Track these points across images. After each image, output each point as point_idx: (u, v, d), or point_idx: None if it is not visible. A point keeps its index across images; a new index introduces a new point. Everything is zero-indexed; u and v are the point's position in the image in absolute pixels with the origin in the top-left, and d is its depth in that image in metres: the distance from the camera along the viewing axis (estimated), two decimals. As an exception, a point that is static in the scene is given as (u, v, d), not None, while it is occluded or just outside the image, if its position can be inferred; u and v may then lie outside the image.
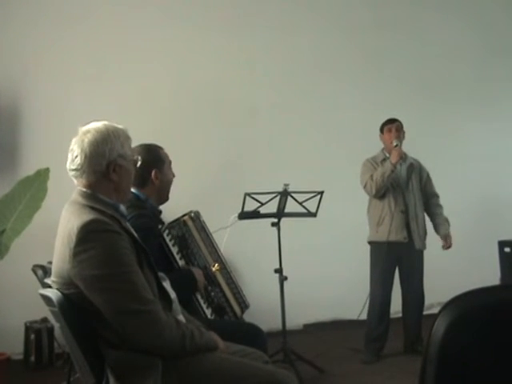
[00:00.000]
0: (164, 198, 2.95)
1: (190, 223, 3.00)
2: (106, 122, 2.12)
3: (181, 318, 2.18)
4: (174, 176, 2.98)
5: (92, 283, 1.89)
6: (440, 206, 4.63)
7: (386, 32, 6.04)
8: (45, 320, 4.47)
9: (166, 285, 2.19)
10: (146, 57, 5.22)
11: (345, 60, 5.90)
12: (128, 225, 2.11)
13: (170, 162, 2.97)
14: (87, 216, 1.93)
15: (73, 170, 2.05)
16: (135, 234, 2.08)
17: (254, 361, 2.24)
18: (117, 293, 1.89)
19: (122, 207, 2.14)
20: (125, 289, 1.90)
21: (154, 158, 2.90)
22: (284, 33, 5.71)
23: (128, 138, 2.14)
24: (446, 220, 4.59)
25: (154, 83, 5.20)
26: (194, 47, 5.42)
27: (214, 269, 3.01)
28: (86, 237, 1.89)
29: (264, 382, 2.03)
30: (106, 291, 1.88)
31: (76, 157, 2.03)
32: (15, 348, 4.52)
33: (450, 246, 4.56)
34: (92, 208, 1.99)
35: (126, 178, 2.13)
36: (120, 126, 2.14)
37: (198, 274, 2.79)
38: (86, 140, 2.03)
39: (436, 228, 4.58)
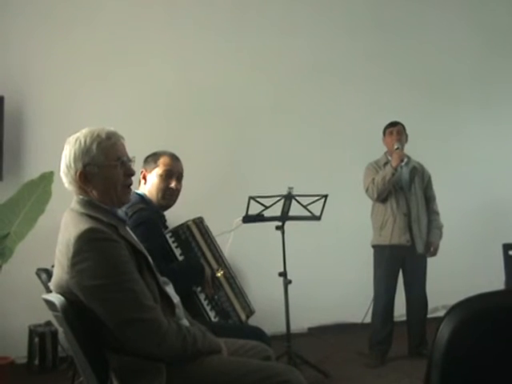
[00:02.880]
0: (155, 199, 2.92)
1: (193, 228, 3.00)
2: (84, 129, 2.08)
3: (184, 322, 2.18)
4: (175, 187, 2.95)
5: (91, 294, 1.88)
6: (436, 213, 4.61)
7: (386, 33, 6.04)
8: (49, 323, 4.47)
9: (169, 289, 2.19)
10: (148, 59, 5.23)
11: (346, 61, 5.89)
12: (127, 230, 2.10)
13: (170, 174, 2.93)
14: (83, 225, 1.92)
15: None
16: (134, 240, 2.07)
17: (257, 355, 2.28)
18: (117, 302, 1.88)
19: (120, 211, 2.13)
20: (125, 298, 1.89)
21: (148, 158, 2.98)
22: (285, 34, 5.71)
23: (101, 142, 2.03)
24: (439, 228, 4.58)
25: (156, 85, 5.20)
26: (196, 49, 5.42)
27: (218, 274, 3.00)
28: (83, 247, 1.87)
29: (265, 377, 2.04)
30: (106, 301, 1.88)
31: None
32: (19, 351, 4.51)
33: (434, 255, 4.55)
34: (89, 216, 1.98)
35: (106, 184, 2.04)
36: (99, 130, 2.06)
37: (205, 265, 2.84)
38: (63, 153, 2.07)
39: (427, 234, 4.55)
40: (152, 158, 2.97)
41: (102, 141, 2.04)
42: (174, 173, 2.94)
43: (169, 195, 2.93)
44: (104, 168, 2.03)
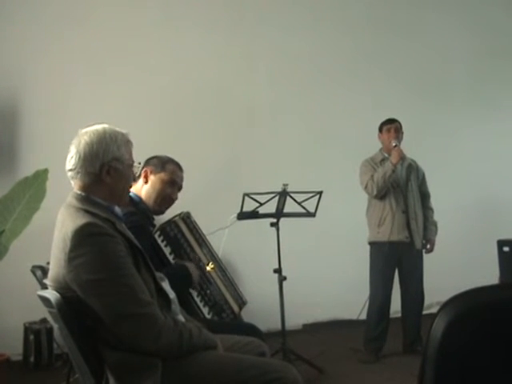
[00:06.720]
0: (151, 202, 2.92)
1: (181, 223, 3.00)
2: (106, 125, 2.11)
3: (180, 318, 2.18)
4: (174, 197, 2.98)
5: (88, 288, 1.88)
6: (431, 210, 4.63)
7: (384, 33, 6.05)
8: (44, 321, 4.46)
9: (165, 285, 2.19)
10: (145, 58, 5.22)
11: (343, 61, 5.90)
12: (123, 226, 2.10)
13: (175, 183, 2.95)
14: (81, 220, 1.92)
15: (69, 170, 2.06)
16: (131, 235, 2.07)
17: (252, 350, 2.29)
18: (114, 297, 1.88)
19: (117, 209, 2.13)
20: (122, 292, 1.89)
21: (154, 159, 2.96)
22: (283, 33, 5.71)
23: (127, 142, 2.12)
24: (434, 224, 4.61)
25: (153, 84, 5.19)
26: (193, 48, 5.42)
27: (208, 268, 3.01)
28: (81, 241, 1.87)
29: (261, 373, 2.04)
30: (103, 296, 1.88)
31: (72, 157, 2.04)
32: (14, 349, 4.51)
33: (431, 251, 4.58)
34: (86, 211, 1.97)
35: (122, 182, 2.10)
36: (120, 130, 2.12)
37: (191, 267, 2.79)
38: (83, 141, 2.04)
39: (424, 230, 4.56)
40: (159, 161, 2.96)
41: (127, 141, 2.12)
42: (177, 183, 2.98)
43: (166, 203, 2.96)
44: (126, 167, 2.10)
